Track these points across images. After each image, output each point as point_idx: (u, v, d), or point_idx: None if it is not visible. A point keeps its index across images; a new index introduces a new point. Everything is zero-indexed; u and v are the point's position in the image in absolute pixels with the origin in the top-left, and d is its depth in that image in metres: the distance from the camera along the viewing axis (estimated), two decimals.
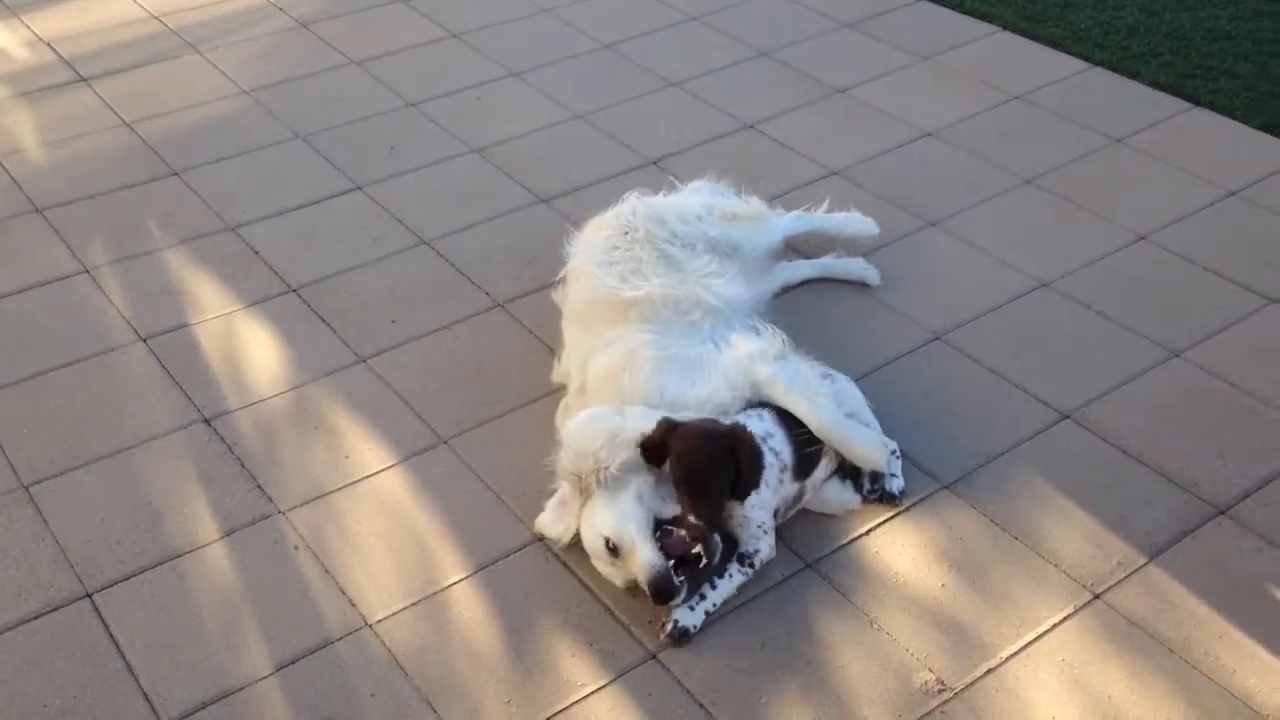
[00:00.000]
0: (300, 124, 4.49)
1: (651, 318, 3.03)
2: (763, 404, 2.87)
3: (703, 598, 2.64)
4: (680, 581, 2.58)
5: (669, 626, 2.59)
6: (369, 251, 3.82)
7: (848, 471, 2.92)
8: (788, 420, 2.83)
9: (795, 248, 3.72)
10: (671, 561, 2.58)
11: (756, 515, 2.70)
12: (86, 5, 5.38)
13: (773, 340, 2.99)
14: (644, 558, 2.58)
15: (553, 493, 2.82)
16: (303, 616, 2.68)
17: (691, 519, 2.59)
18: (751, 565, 2.70)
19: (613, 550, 2.63)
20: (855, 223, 3.72)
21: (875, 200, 4.00)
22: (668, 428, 2.65)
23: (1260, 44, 4.84)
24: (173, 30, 5.16)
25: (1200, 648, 2.58)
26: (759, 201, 3.61)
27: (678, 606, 2.61)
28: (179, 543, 2.85)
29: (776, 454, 2.76)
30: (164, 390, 3.29)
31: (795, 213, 3.72)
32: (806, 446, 2.82)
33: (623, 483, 2.68)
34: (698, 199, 3.51)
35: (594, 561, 2.71)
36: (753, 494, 2.68)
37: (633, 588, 2.66)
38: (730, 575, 2.67)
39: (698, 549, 2.59)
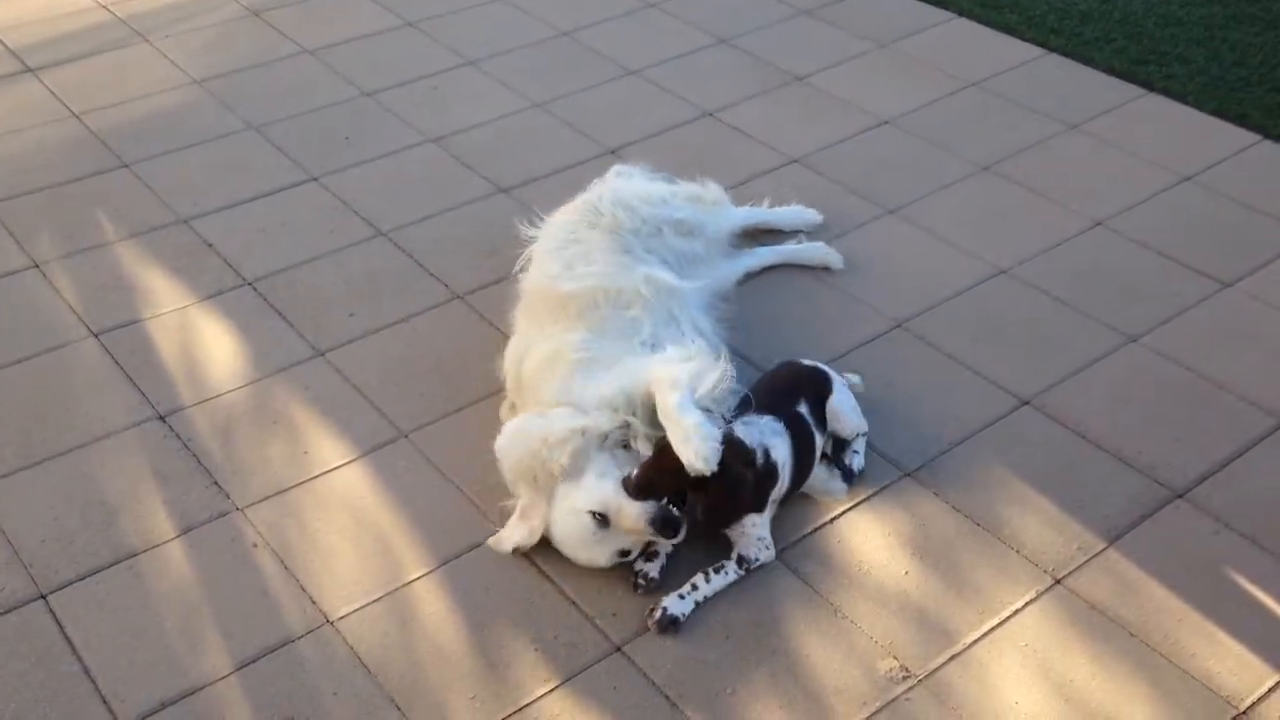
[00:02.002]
0: (253, 114, 4.42)
1: (588, 312, 3.00)
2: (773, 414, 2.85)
3: (695, 588, 2.64)
4: (677, 512, 2.61)
5: (657, 614, 2.59)
6: (325, 243, 3.77)
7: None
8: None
9: (754, 236, 3.71)
10: (664, 500, 2.60)
11: (756, 530, 2.71)
12: None
13: (697, 361, 2.82)
14: (635, 508, 2.59)
15: (508, 510, 2.80)
16: (263, 615, 2.64)
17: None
18: (749, 569, 2.70)
19: (601, 519, 2.62)
20: (798, 215, 3.78)
21: (834, 188, 4.00)
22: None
23: (1211, 29, 4.89)
24: (121, 19, 5.06)
25: (1160, 631, 2.61)
26: (717, 186, 3.65)
27: (668, 596, 2.62)
28: (134, 542, 2.81)
29: (782, 466, 2.75)
30: (117, 386, 3.23)
31: (744, 208, 3.74)
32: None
33: (578, 468, 2.68)
34: (660, 185, 3.53)
35: (576, 552, 2.69)
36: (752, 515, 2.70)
37: (620, 561, 2.68)
38: (726, 573, 2.68)
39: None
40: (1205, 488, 2.93)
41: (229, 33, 4.98)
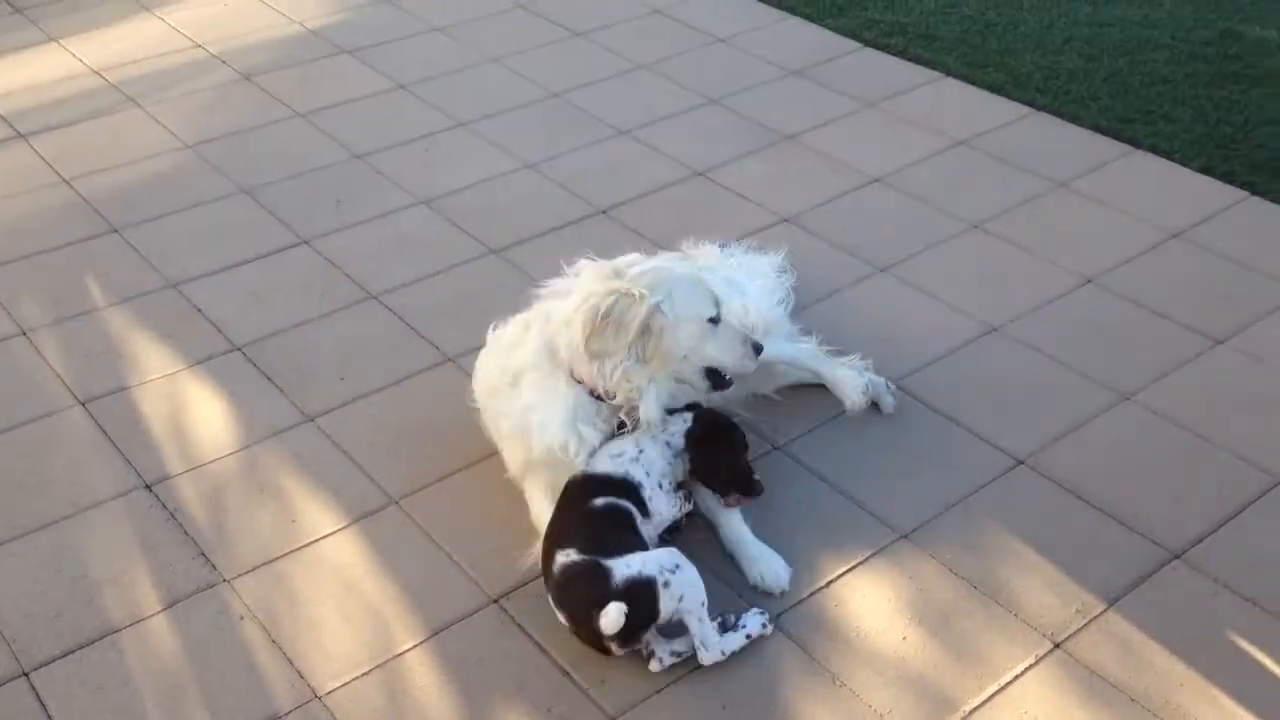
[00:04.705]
0: (244, 178, 4.43)
1: None
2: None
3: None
4: None
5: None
6: (316, 307, 3.76)
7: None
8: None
9: None
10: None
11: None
12: (23, 60, 5.29)
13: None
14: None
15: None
16: (249, 690, 2.59)
17: None
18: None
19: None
20: (849, 382, 3.28)
21: (825, 246, 4.00)
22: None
23: (1196, 87, 4.93)
24: (113, 85, 5.08)
25: (1160, 695, 2.57)
26: (784, 315, 3.39)
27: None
28: (119, 616, 2.76)
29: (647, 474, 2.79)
30: (104, 456, 3.20)
31: (807, 344, 3.35)
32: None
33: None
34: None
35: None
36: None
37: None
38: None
39: None
40: (1203, 548, 2.91)
41: (221, 97, 5.00)
